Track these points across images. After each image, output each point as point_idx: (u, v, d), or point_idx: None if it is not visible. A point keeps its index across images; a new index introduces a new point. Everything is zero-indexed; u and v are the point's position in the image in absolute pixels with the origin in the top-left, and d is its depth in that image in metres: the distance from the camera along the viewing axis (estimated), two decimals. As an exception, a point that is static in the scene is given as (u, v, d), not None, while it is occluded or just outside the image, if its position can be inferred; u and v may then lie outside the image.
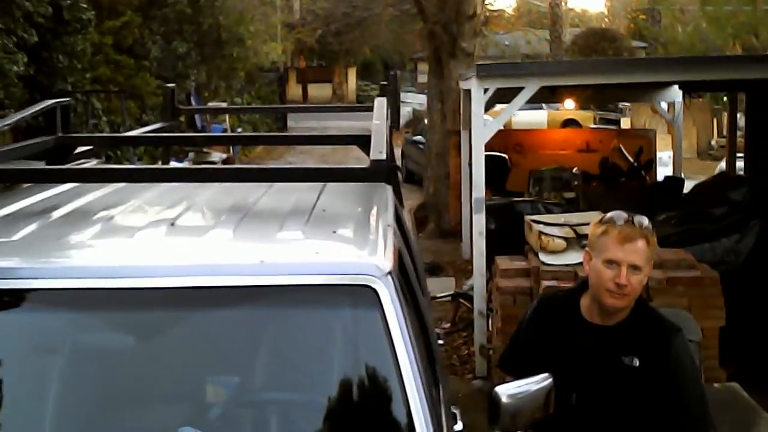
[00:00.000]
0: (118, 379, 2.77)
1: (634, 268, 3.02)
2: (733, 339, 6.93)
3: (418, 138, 19.01)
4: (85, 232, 3.04)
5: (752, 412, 5.04)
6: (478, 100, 7.64)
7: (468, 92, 8.82)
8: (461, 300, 9.45)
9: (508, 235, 7.86)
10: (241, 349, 2.82)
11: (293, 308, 2.82)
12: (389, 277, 2.82)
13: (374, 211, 3.63)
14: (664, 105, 12.67)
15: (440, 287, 10.02)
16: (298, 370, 2.80)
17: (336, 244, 3.07)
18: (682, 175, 11.51)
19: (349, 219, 3.51)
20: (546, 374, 3.11)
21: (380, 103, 4.50)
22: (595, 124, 26.19)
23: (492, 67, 8.12)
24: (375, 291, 2.76)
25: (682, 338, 3.17)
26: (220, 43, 22.79)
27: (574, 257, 6.95)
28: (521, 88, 7.56)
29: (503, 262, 7.41)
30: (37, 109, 4.71)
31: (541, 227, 7.16)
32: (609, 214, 3.20)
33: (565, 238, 7.04)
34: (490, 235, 7.80)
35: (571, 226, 7.16)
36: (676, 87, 11.58)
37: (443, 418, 3.05)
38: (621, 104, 26.44)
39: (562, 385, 3.08)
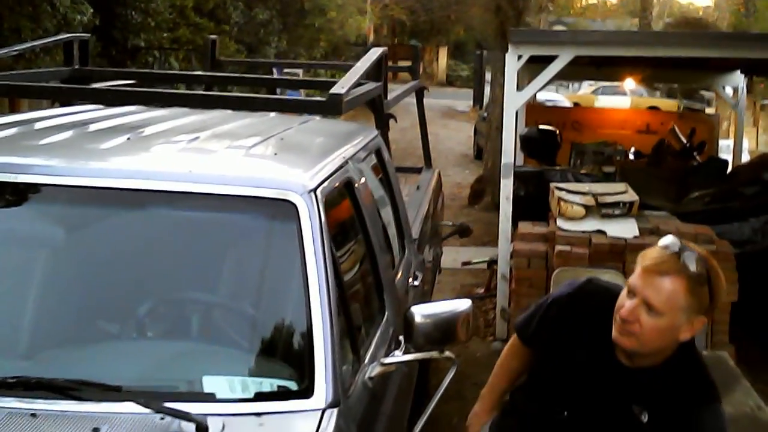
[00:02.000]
0: (54, 271, 3.02)
1: (651, 308, 2.42)
2: (751, 316, 6.93)
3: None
4: (58, 137, 3.34)
5: (733, 379, 5.07)
6: (512, 66, 7.69)
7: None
8: (496, 267, 9.55)
9: (536, 202, 7.93)
10: (168, 252, 3.03)
11: (217, 215, 3.02)
12: (312, 195, 2.99)
13: (336, 146, 3.81)
14: (729, 90, 12.49)
15: (481, 254, 10.12)
16: (217, 274, 3.00)
17: (270, 162, 3.27)
18: (742, 160, 11.37)
19: (301, 148, 3.71)
20: (465, 299, 3.24)
21: (372, 52, 4.67)
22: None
23: (525, 33, 8.16)
24: (294, 206, 2.94)
25: (715, 411, 2.50)
26: (303, 12, 23.11)
27: (591, 224, 7.01)
28: (555, 57, 7.59)
29: (524, 226, 7.50)
30: (53, 39, 5.01)
31: (562, 194, 7.23)
32: (665, 238, 2.53)
33: (585, 206, 7.10)
34: (518, 201, 7.88)
35: (593, 194, 7.21)
36: (738, 72, 11.44)
37: (365, 343, 3.22)
38: (706, 93, 25.97)
39: (559, 397, 2.73)
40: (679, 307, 2.40)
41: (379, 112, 4.78)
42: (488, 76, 34.79)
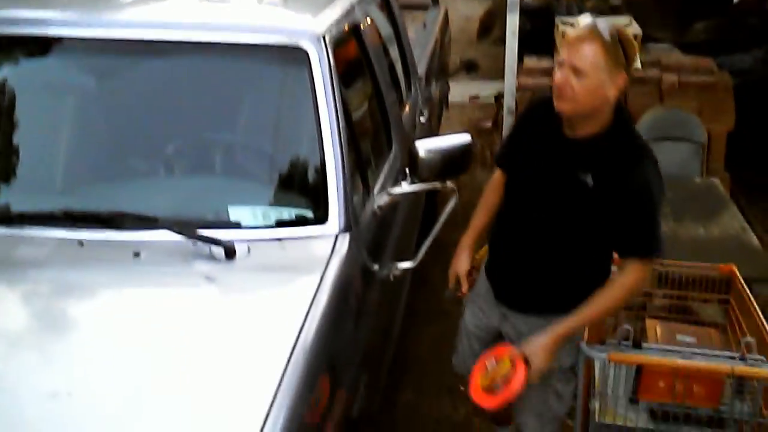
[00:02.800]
0: (85, 116, 3.31)
1: (578, 72, 2.76)
2: (748, 144, 7.16)
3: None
4: None
5: (722, 204, 5.35)
6: None
7: None
8: (503, 101, 9.74)
9: (542, 36, 8.04)
10: (190, 97, 3.31)
11: (233, 63, 3.27)
12: (321, 40, 3.24)
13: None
14: None
15: (488, 88, 10.29)
16: (237, 117, 3.29)
17: (280, 9, 3.50)
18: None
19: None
20: (464, 134, 3.52)
21: None
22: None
23: None
24: (305, 52, 3.19)
25: (650, 167, 2.84)
26: None
27: (594, 56, 7.15)
28: None
29: (530, 61, 7.66)
30: None
31: (566, 28, 7.36)
32: (582, 17, 3.11)
33: (589, 37, 7.21)
34: (525, 36, 7.98)
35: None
36: None
37: (374, 176, 3.52)
38: None
39: (520, 186, 3.10)
40: (599, 66, 2.76)
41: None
42: None
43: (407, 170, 3.56)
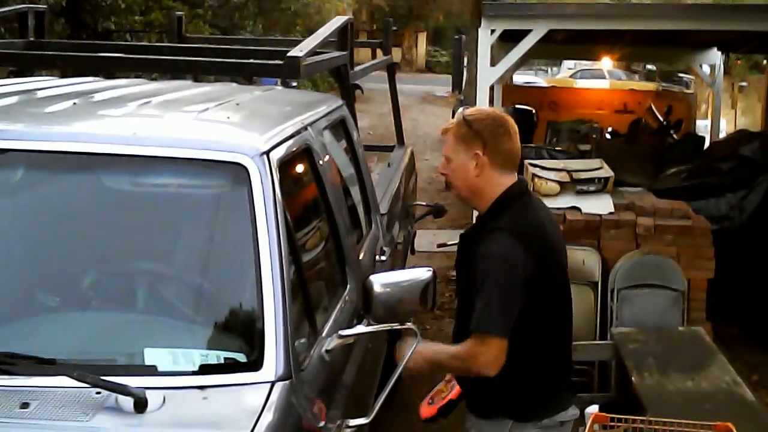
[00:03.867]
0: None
1: (446, 159, 3.07)
2: (728, 293, 6.83)
3: (466, 97, 18.89)
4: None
5: (710, 355, 4.96)
6: (485, 41, 7.56)
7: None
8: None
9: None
10: (110, 219, 2.87)
11: (162, 180, 2.86)
12: (265, 158, 2.84)
13: (295, 112, 3.65)
14: (706, 69, 12.38)
15: (456, 237, 9.97)
16: (162, 241, 2.84)
17: (221, 125, 3.10)
18: (719, 136, 11.26)
19: (257, 112, 3.55)
20: (427, 267, 3.10)
21: (336, 20, 4.53)
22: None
23: (498, 6, 8.01)
24: (245, 169, 2.78)
25: (495, 238, 2.90)
26: (278, -5, 22.86)
27: (566, 201, 6.86)
28: (529, 31, 7.44)
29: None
30: (5, 10, 4.83)
31: (536, 170, 7.08)
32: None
33: (560, 182, 6.95)
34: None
35: (568, 171, 7.07)
36: (715, 49, 11.34)
37: (324, 316, 3.07)
38: (685, 76, 25.91)
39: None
40: (455, 149, 3.03)
41: (344, 81, 4.62)
42: (466, 60, 34.62)
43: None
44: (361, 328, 2.96)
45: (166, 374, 2.43)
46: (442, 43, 48.14)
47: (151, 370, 2.44)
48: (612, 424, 3.85)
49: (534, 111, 10.60)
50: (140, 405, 2.25)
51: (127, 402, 2.25)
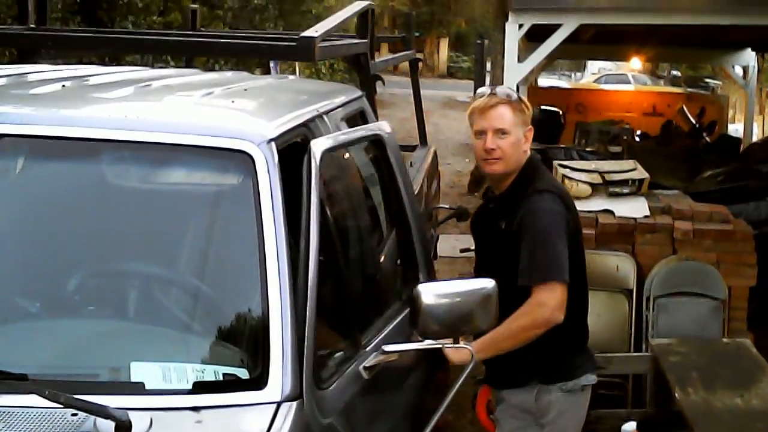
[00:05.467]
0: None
1: (500, 132, 3.10)
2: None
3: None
4: None
5: (757, 368, 4.58)
6: (513, 36, 7.21)
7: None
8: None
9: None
10: (97, 213, 2.53)
11: (156, 170, 2.52)
12: (272, 146, 2.49)
13: (308, 101, 3.32)
14: (738, 70, 11.99)
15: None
16: (154, 240, 2.49)
17: (224, 110, 2.76)
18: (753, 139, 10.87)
19: (266, 99, 3.22)
20: (488, 279, 2.74)
21: (355, 4, 4.19)
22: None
23: (527, 0, 7.65)
24: (250, 158, 2.44)
25: (543, 197, 3.10)
26: (300, -2, 22.57)
27: (598, 204, 6.48)
28: (560, 26, 7.09)
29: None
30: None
31: (567, 171, 6.71)
32: (479, 90, 3.34)
33: (591, 184, 6.57)
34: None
35: (600, 172, 6.70)
36: (749, 50, 10.94)
37: (368, 328, 2.73)
38: (711, 81, 25.44)
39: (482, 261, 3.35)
40: (515, 123, 3.13)
41: (363, 71, 4.28)
42: (489, 65, 34.25)
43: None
44: (407, 345, 2.61)
45: (155, 393, 2.09)
46: (464, 49, 47.70)
47: (138, 388, 2.10)
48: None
49: (561, 112, 10.24)
50: (122, 429, 1.91)
51: (108, 426, 1.92)
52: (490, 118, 3.11)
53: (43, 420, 1.95)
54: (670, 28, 8.31)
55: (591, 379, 3.32)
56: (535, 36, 7.46)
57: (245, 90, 3.18)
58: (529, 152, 3.23)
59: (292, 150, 2.64)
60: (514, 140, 3.12)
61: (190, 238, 2.49)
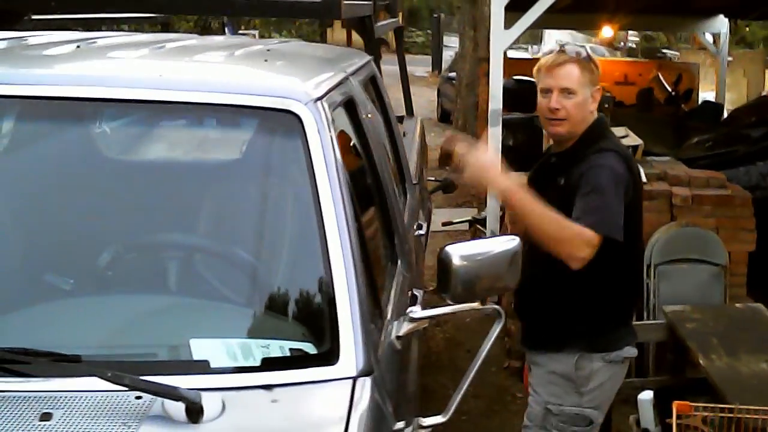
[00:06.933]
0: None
1: (567, 92, 3.01)
2: (765, 266, 6.38)
3: (453, 75, 18.34)
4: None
5: (775, 333, 4.49)
6: (498, 1, 7.01)
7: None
8: (479, 226, 8.97)
9: (527, 152, 7.28)
10: (138, 182, 2.33)
11: (197, 133, 2.34)
12: (319, 105, 2.32)
13: (332, 62, 3.15)
14: (709, 37, 11.93)
15: (459, 215, 9.54)
16: (202, 208, 2.31)
17: (260, 70, 2.57)
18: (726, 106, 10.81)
19: (294, 60, 3.04)
20: (512, 236, 2.60)
21: None
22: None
23: (513, -36, 7.45)
24: (298, 118, 2.26)
25: (607, 155, 3.01)
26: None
27: (593, 171, 6.39)
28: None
29: (518, 178, 6.86)
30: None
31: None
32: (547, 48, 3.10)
33: (585, 151, 6.47)
34: (508, 151, 7.25)
35: (592, 140, 6.59)
36: (721, 16, 10.87)
37: (385, 290, 2.57)
38: (668, 52, 25.55)
39: None
40: (583, 82, 3.02)
41: (368, 33, 4.09)
42: (446, 39, 33.97)
43: (415, 291, 2.83)
44: (440, 309, 2.45)
45: (221, 371, 1.91)
46: (418, 24, 47.49)
47: (202, 367, 1.92)
48: (695, 414, 3.43)
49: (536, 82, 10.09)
50: (195, 412, 1.74)
51: (178, 409, 1.74)
52: (556, 76, 3.01)
53: (105, 405, 1.77)
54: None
55: (632, 351, 3.25)
56: (513, 6, 7.27)
57: (268, 50, 2.99)
58: (595, 113, 3.11)
59: (334, 110, 2.47)
60: (580, 100, 3.01)
61: (241, 206, 2.30)
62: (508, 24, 7.73)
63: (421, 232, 3.99)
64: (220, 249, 2.24)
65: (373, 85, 3.91)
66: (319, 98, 2.35)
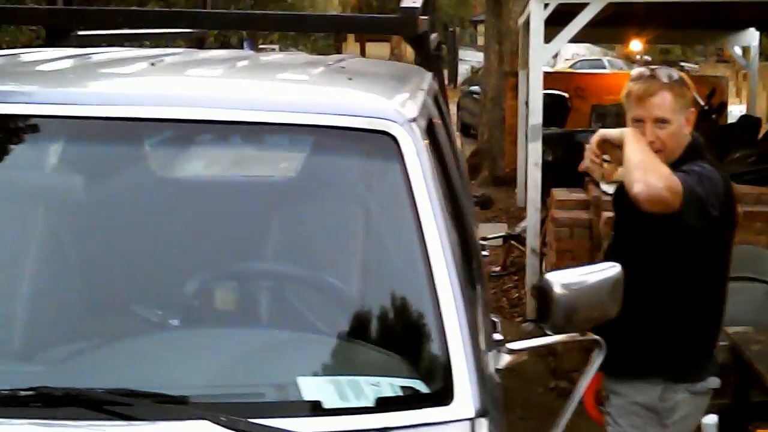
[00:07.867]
0: (62, 235, 2.18)
1: (660, 121, 2.86)
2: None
3: (474, 88, 18.26)
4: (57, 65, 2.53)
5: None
6: (538, 16, 6.93)
7: (527, 26, 8.05)
8: (513, 242, 8.86)
9: (566, 167, 7.14)
10: (230, 209, 2.20)
11: (287, 156, 2.22)
12: (414, 125, 2.20)
13: (407, 79, 3.03)
14: (738, 50, 11.83)
15: (491, 230, 9.42)
16: (294, 235, 2.18)
17: (347, 89, 2.44)
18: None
19: (373, 78, 2.92)
20: (613, 262, 2.47)
21: None
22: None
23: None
24: (395, 139, 2.14)
25: (704, 166, 2.83)
26: (272, -12, 22.33)
27: (639, 188, 6.26)
28: (585, 5, 6.82)
29: (560, 193, 6.74)
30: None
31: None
32: (634, 71, 3.07)
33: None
34: (546, 167, 7.15)
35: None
36: (752, 30, 10.77)
37: (480, 317, 2.44)
38: (687, 65, 25.48)
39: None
40: (677, 109, 2.87)
41: (426, 50, 3.96)
42: (461, 53, 33.90)
43: (494, 318, 2.68)
44: (542, 339, 2.32)
45: (336, 413, 1.79)
46: (431, 37, 47.53)
47: (314, 408, 1.79)
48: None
49: (568, 96, 10.01)
50: (314, 459, 1.61)
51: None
52: (649, 106, 2.86)
53: (216, 451, 1.64)
54: (679, 6, 8.08)
55: (716, 382, 3.13)
56: (550, 21, 7.18)
57: (343, 68, 2.88)
58: (689, 135, 2.96)
59: (425, 130, 2.36)
60: (675, 129, 2.87)
61: (339, 233, 2.18)
62: (547, 39, 7.64)
63: (485, 253, 3.86)
64: (320, 280, 2.11)
65: (436, 103, 3.79)
66: (414, 119, 2.23)
